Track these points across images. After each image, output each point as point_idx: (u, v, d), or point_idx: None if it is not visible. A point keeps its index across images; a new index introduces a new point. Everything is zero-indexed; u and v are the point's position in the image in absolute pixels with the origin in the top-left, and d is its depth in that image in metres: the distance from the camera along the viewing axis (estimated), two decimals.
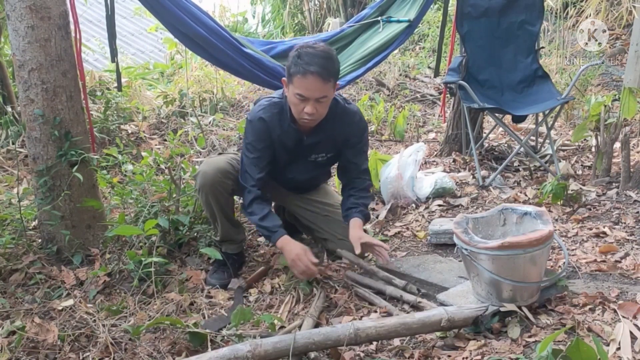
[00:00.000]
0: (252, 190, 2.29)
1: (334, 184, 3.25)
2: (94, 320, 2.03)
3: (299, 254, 2.17)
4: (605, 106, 3.30)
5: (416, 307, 2.06)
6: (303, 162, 2.41)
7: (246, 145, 2.33)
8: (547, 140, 3.64)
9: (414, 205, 3.12)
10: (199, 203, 2.58)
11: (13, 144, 4.01)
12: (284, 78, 2.24)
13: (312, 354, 1.77)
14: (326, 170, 2.63)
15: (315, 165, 2.44)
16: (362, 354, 1.82)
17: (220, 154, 2.53)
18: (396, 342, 1.86)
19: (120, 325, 2.04)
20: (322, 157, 2.42)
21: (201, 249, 2.50)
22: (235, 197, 2.58)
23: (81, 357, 1.88)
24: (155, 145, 4.33)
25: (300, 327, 1.95)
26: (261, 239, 2.84)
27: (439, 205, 3.08)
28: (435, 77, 4.90)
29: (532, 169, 3.55)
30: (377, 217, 2.98)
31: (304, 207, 2.55)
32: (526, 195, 3.11)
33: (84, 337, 1.98)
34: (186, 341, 1.91)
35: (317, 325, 1.99)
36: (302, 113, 2.17)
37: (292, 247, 2.20)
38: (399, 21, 3.67)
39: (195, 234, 2.70)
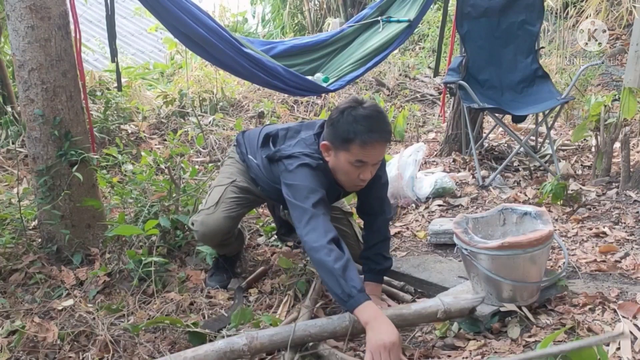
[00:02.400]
0: (327, 249, 1.79)
1: None
2: (94, 319, 2.03)
3: (394, 342, 1.62)
4: (605, 106, 3.30)
5: None
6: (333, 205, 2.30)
7: (302, 193, 1.90)
8: (547, 140, 3.64)
9: (414, 205, 3.12)
10: (199, 203, 2.58)
11: (13, 143, 4.01)
12: (324, 142, 1.96)
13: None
14: None
15: (335, 201, 2.35)
16: (362, 354, 1.82)
17: (219, 199, 2.22)
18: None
19: (119, 324, 2.04)
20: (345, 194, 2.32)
21: (198, 246, 2.50)
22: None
23: (81, 357, 1.88)
24: (155, 145, 4.33)
25: (296, 319, 1.93)
26: (261, 239, 2.83)
27: (439, 205, 3.08)
28: (435, 77, 4.90)
29: (532, 169, 3.55)
30: None
31: None
32: (526, 195, 3.11)
33: (84, 337, 1.98)
34: (186, 341, 1.91)
35: (313, 317, 1.98)
36: (357, 180, 1.95)
37: (386, 327, 1.65)
38: (398, 21, 3.68)
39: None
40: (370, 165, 1.94)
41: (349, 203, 2.65)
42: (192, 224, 2.25)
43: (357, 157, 1.90)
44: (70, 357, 1.89)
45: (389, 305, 2.04)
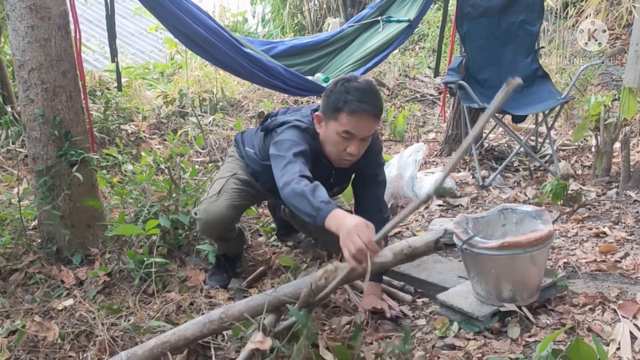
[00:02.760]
0: (298, 179, 1.81)
1: None
2: (94, 319, 2.03)
3: (357, 224, 1.61)
4: (605, 106, 3.30)
5: (412, 307, 2.07)
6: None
7: (285, 145, 1.95)
8: (547, 140, 3.64)
9: None
10: (199, 203, 2.58)
11: (13, 144, 4.01)
12: (317, 113, 2.02)
13: None
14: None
15: (331, 196, 2.38)
16: (362, 353, 1.82)
17: (220, 189, 2.25)
18: (397, 343, 1.86)
19: (119, 324, 2.04)
20: (343, 188, 2.34)
21: (198, 246, 2.50)
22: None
23: (81, 357, 1.88)
24: (155, 145, 4.33)
25: None
26: (261, 239, 2.84)
27: (439, 205, 3.08)
28: (435, 77, 4.91)
29: (532, 169, 3.55)
30: None
31: None
32: (526, 195, 3.11)
33: (84, 336, 1.98)
34: None
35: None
36: (343, 153, 1.97)
37: (350, 218, 1.66)
38: (398, 21, 3.68)
39: (195, 234, 2.69)
40: (358, 140, 1.95)
41: (348, 203, 2.65)
42: (195, 213, 2.26)
43: (345, 127, 1.92)
44: (70, 356, 1.89)
45: (389, 306, 2.04)
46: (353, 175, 2.24)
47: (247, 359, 1.60)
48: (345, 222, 1.62)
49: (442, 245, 1.72)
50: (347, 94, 1.91)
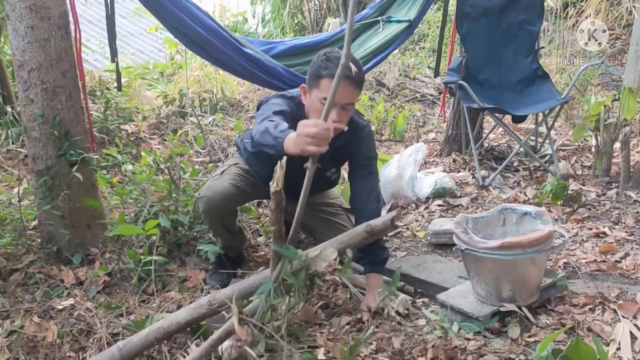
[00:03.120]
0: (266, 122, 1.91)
1: None
2: (92, 317, 2.03)
3: (301, 124, 1.69)
4: (605, 106, 3.30)
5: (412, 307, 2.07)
6: (317, 178, 2.33)
7: (268, 108, 2.03)
8: (547, 140, 3.64)
9: (414, 205, 3.12)
10: (200, 213, 2.58)
11: (13, 144, 4.01)
12: (303, 85, 2.13)
13: None
14: (335, 183, 2.56)
15: (327, 182, 2.41)
16: (362, 353, 1.82)
17: (223, 171, 2.35)
18: (397, 344, 1.86)
19: (118, 322, 2.04)
20: (333, 173, 2.39)
21: (199, 246, 2.50)
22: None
23: (81, 357, 1.88)
24: (155, 145, 4.33)
25: None
26: (261, 239, 2.84)
27: (439, 205, 3.08)
28: (435, 77, 4.90)
29: (532, 169, 3.55)
30: None
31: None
32: (526, 195, 3.11)
33: (84, 336, 1.98)
34: (187, 337, 1.90)
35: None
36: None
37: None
38: (399, 21, 3.68)
39: (195, 234, 2.70)
40: (339, 107, 2.00)
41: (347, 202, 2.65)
42: (199, 194, 2.30)
43: (325, 93, 1.98)
44: (70, 356, 1.89)
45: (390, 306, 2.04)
46: (348, 172, 2.31)
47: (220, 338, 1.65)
48: (294, 133, 1.73)
49: (397, 225, 1.90)
50: (328, 61, 2.02)
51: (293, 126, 1.94)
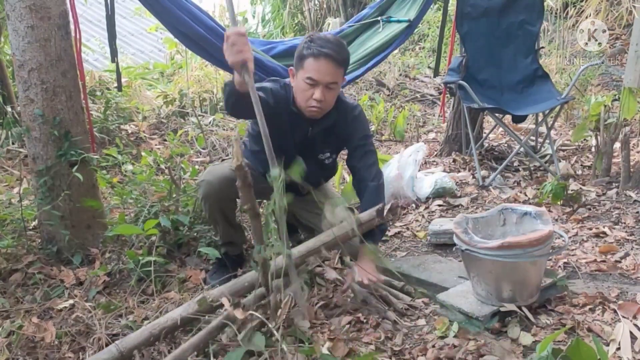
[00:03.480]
0: None
1: (333, 183, 3.25)
2: (91, 317, 2.03)
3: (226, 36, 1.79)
4: (605, 106, 3.30)
5: (412, 306, 2.08)
6: (310, 161, 2.38)
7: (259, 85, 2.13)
8: (547, 140, 3.64)
9: (414, 205, 3.12)
10: (199, 203, 2.58)
11: (13, 144, 4.01)
12: (291, 67, 2.20)
13: None
14: (331, 172, 2.60)
15: (321, 166, 2.42)
16: (362, 353, 1.82)
17: (223, 160, 2.46)
18: (397, 344, 1.86)
19: (117, 323, 2.04)
20: (328, 157, 2.40)
21: (200, 248, 2.50)
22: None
23: (80, 357, 1.88)
24: (155, 145, 4.33)
25: None
26: None
27: (439, 205, 3.08)
28: (435, 77, 4.90)
29: (532, 169, 3.55)
30: None
31: (302, 207, 2.55)
32: (526, 195, 3.11)
33: (83, 337, 1.98)
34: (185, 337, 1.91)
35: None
36: (310, 100, 2.12)
37: None
38: (398, 21, 3.67)
39: (195, 234, 2.70)
40: (322, 86, 2.10)
41: (349, 201, 2.65)
42: (199, 179, 2.34)
43: (308, 73, 2.09)
44: (69, 357, 1.89)
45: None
46: (346, 158, 2.36)
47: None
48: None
49: (385, 214, 2.05)
50: (311, 42, 2.10)
51: (275, 102, 2.16)
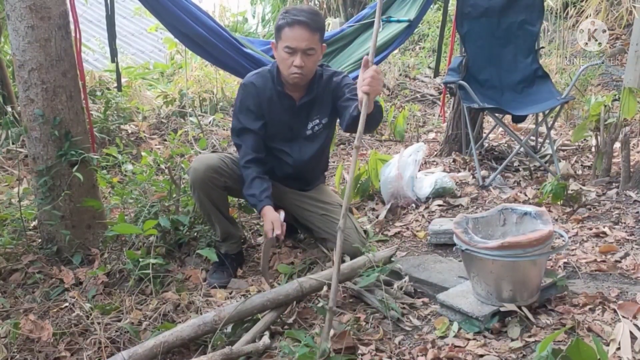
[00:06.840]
0: (249, 166, 2.33)
1: (333, 185, 3.25)
2: (88, 317, 2.03)
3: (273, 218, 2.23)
4: (605, 106, 3.30)
5: (412, 307, 2.08)
6: (301, 138, 2.44)
7: (238, 109, 2.40)
8: (547, 140, 3.64)
9: (414, 205, 3.12)
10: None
11: (13, 144, 4.01)
12: (272, 41, 2.34)
13: None
14: (324, 156, 2.62)
15: (313, 139, 2.46)
16: (363, 351, 1.82)
17: (213, 151, 2.52)
18: (397, 344, 1.86)
19: (115, 324, 2.04)
20: (318, 124, 2.45)
21: (199, 250, 2.50)
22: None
23: (78, 357, 1.88)
24: (155, 145, 4.33)
25: None
26: (261, 239, 2.83)
27: (439, 205, 3.08)
28: (435, 77, 4.90)
29: (532, 169, 3.55)
30: (377, 217, 2.99)
31: (301, 207, 2.55)
32: (526, 195, 3.11)
33: (80, 336, 1.98)
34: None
35: None
36: (291, 67, 2.25)
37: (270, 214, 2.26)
38: (399, 21, 3.68)
39: (195, 234, 2.70)
40: (300, 53, 2.22)
41: (349, 203, 2.65)
42: (188, 169, 2.43)
43: (286, 42, 2.23)
44: (65, 357, 1.89)
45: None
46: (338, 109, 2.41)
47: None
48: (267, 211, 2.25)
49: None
50: (286, 13, 2.25)
51: (262, 84, 2.36)
